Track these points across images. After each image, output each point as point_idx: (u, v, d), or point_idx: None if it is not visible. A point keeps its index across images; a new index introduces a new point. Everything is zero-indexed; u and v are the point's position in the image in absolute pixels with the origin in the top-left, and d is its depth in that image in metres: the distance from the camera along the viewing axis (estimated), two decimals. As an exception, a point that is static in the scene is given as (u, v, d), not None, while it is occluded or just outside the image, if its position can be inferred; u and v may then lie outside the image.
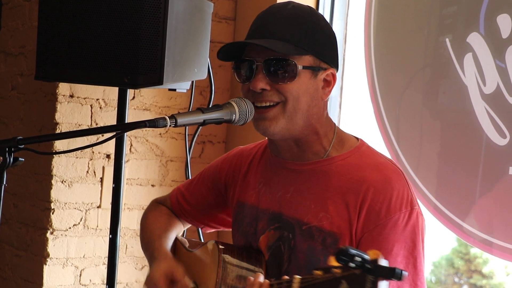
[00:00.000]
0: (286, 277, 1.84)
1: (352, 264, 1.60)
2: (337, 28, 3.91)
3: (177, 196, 2.60)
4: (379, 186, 2.12)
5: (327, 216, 2.15)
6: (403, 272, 1.56)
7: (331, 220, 2.14)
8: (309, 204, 2.18)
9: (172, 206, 2.61)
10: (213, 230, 2.69)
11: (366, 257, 1.60)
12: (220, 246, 2.24)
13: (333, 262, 1.66)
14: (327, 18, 3.89)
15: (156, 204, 2.67)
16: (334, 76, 2.21)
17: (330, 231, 2.14)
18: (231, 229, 2.57)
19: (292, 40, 2.13)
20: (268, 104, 2.14)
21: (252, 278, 1.94)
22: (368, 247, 2.04)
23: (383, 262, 1.59)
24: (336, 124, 2.31)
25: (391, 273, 1.57)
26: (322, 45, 2.19)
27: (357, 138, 2.29)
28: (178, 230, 2.61)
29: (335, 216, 2.14)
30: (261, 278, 1.92)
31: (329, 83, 2.20)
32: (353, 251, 1.59)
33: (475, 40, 3.17)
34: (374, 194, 2.11)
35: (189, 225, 2.66)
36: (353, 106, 3.96)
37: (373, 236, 2.10)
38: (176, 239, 2.57)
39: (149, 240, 2.51)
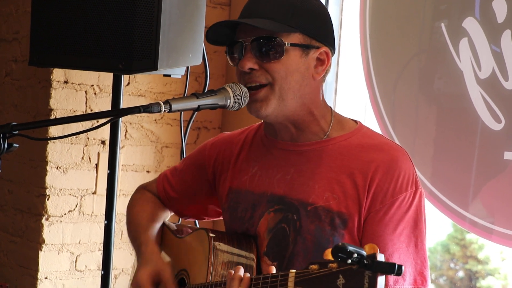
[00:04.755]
0: (273, 270, 1.86)
1: (349, 261, 1.58)
2: (332, 13, 3.89)
3: (163, 183, 2.60)
4: (386, 166, 2.13)
5: (334, 196, 2.15)
6: (402, 267, 1.55)
7: (338, 200, 2.14)
8: (313, 185, 2.18)
9: (158, 193, 2.60)
10: (197, 219, 2.72)
11: (363, 252, 1.58)
12: (211, 234, 2.24)
13: (328, 256, 1.65)
14: (322, 1, 3.89)
15: (142, 190, 2.66)
16: (328, 55, 2.20)
17: (338, 211, 2.14)
18: (216, 219, 2.61)
19: (278, 18, 2.13)
20: (257, 84, 2.14)
21: (232, 272, 1.94)
22: (374, 226, 2.10)
23: (381, 257, 1.58)
24: (332, 108, 2.31)
25: (389, 268, 1.56)
26: (312, 23, 2.18)
27: (355, 121, 2.30)
28: (165, 218, 2.60)
29: (342, 196, 2.14)
30: (241, 271, 1.92)
31: (322, 62, 2.19)
32: (351, 248, 1.57)
33: (471, 24, 3.17)
34: (382, 174, 2.12)
35: (172, 213, 2.66)
36: (349, 92, 3.95)
37: (379, 215, 2.12)
38: (164, 224, 2.57)
39: (135, 231, 2.51)
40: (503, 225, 3.07)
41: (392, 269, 1.55)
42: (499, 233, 3.09)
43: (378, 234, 2.09)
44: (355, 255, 1.57)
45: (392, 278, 2.06)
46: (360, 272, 1.59)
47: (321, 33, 2.20)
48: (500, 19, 3.06)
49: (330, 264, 1.64)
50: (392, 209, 2.11)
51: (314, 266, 1.68)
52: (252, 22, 2.12)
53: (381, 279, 1.58)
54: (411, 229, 2.13)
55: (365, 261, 1.58)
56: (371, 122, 3.64)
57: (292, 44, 2.14)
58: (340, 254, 1.57)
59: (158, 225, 2.54)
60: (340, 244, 1.57)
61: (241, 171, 2.37)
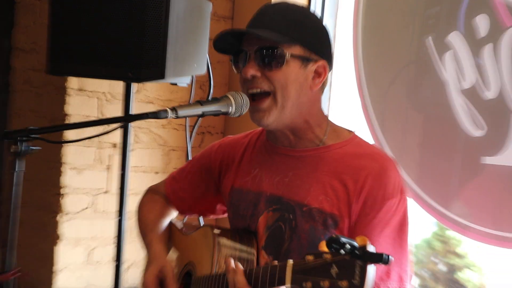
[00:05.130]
0: (275, 262, 1.84)
1: (342, 251, 1.59)
2: (326, 27, 3.90)
3: (171, 184, 2.60)
4: (377, 174, 2.13)
5: (327, 199, 2.15)
6: (390, 257, 1.56)
7: (331, 203, 2.14)
8: (309, 188, 2.18)
9: (166, 193, 2.60)
10: (204, 217, 2.70)
11: (355, 244, 1.59)
12: (215, 230, 2.24)
13: (323, 247, 1.65)
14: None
15: (151, 193, 2.66)
16: (325, 68, 2.19)
17: (330, 213, 2.14)
18: (221, 217, 2.60)
19: (281, 30, 2.12)
20: (259, 90, 2.14)
21: (229, 262, 1.95)
22: (362, 228, 2.10)
23: (371, 248, 1.59)
24: (328, 117, 2.31)
25: (378, 258, 1.56)
26: (312, 37, 2.17)
27: (349, 131, 2.30)
28: (172, 217, 2.60)
29: (335, 199, 2.14)
30: (231, 264, 1.94)
31: (319, 75, 2.19)
32: (344, 239, 1.59)
33: (456, 38, 3.17)
34: (372, 181, 2.12)
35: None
36: (342, 100, 3.95)
37: (368, 219, 2.11)
38: (171, 223, 2.57)
39: (145, 232, 2.52)
40: (479, 223, 3.08)
41: (380, 258, 1.56)
42: (475, 230, 3.10)
43: (366, 235, 2.06)
44: (348, 245, 1.58)
45: (377, 274, 2.05)
46: (352, 262, 1.60)
47: (320, 48, 2.20)
48: (483, 33, 3.06)
49: (325, 255, 1.65)
50: (381, 213, 2.10)
51: (310, 257, 1.68)
52: (257, 32, 2.11)
53: (370, 268, 1.58)
54: (397, 232, 2.12)
55: (357, 252, 1.59)
56: (362, 129, 3.65)
57: (292, 55, 2.13)
58: (334, 245, 1.60)
59: (165, 224, 2.54)
60: (334, 235, 1.60)
61: (244, 172, 2.36)
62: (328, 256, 1.64)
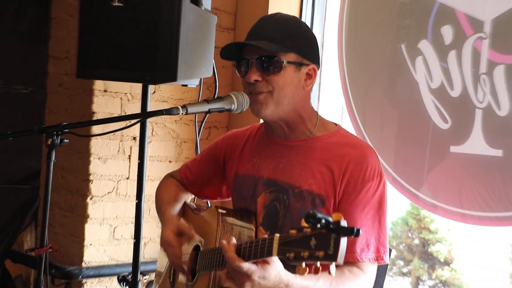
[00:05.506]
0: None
1: (318, 225, 1.59)
2: (316, 35, 3.88)
3: (185, 171, 2.61)
4: (357, 160, 2.14)
5: (315, 181, 2.16)
6: (360, 230, 1.55)
7: (319, 185, 2.15)
8: (299, 172, 2.19)
9: (181, 179, 2.61)
10: (212, 199, 2.69)
11: (330, 219, 1.58)
12: (219, 210, 2.25)
13: (304, 223, 1.65)
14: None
15: (168, 177, 2.67)
16: (315, 71, 2.21)
17: (318, 193, 2.15)
18: (226, 200, 2.59)
19: (278, 41, 2.13)
20: (259, 92, 2.15)
21: (224, 242, 1.91)
22: (346, 207, 2.11)
23: (344, 223, 1.58)
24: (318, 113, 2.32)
25: (350, 231, 1.56)
26: (303, 45, 2.19)
27: (335, 124, 2.31)
28: (186, 198, 2.61)
29: (322, 181, 2.15)
30: (224, 242, 1.90)
31: (310, 76, 2.20)
32: (319, 215, 1.58)
33: (424, 46, 3.18)
34: (354, 166, 2.13)
35: (193, 196, 2.66)
36: (329, 98, 3.96)
37: (351, 198, 2.12)
38: (185, 203, 2.58)
39: (160, 206, 2.52)
40: (445, 202, 3.10)
41: (352, 231, 1.55)
42: (442, 208, 3.11)
43: (349, 213, 2.10)
44: (323, 220, 1.57)
45: (359, 246, 2.08)
46: (327, 235, 1.59)
47: (310, 53, 2.21)
48: (447, 41, 3.07)
49: (305, 229, 1.65)
50: (361, 193, 2.12)
51: (293, 231, 1.69)
52: (257, 44, 2.13)
53: (343, 241, 1.58)
54: (376, 210, 2.13)
55: (331, 226, 1.58)
56: (346, 122, 3.64)
57: (288, 62, 2.15)
58: (311, 220, 1.59)
59: (180, 204, 2.55)
60: (311, 211, 1.59)
61: (245, 159, 2.38)
62: (308, 230, 1.64)
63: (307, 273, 1.64)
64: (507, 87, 2.84)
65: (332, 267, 1.61)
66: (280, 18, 2.20)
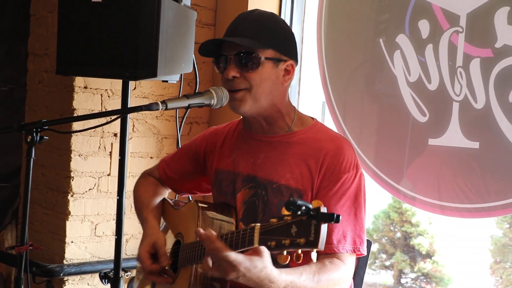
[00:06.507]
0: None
1: (299, 212, 1.60)
2: (295, 31, 3.91)
3: (163, 166, 2.61)
4: (334, 153, 2.16)
5: (293, 176, 2.17)
6: (340, 216, 1.57)
7: (296, 180, 2.17)
8: (277, 168, 2.21)
9: (159, 175, 2.61)
10: (191, 194, 2.69)
11: (310, 206, 1.60)
12: (199, 204, 2.25)
13: (285, 211, 1.67)
14: (287, 24, 3.89)
15: (146, 176, 2.66)
16: (293, 67, 2.22)
17: (295, 188, 2.17)
18: (206, 194, 2.59)
19: (256, 37, 2.15)
20: (238, 89, 2.16)
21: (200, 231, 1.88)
22: (322, 198, 2.11)
23: (324, 210, 1.60)
24: (296, 108, 2.34)
25: (330, 218, 1.57)
26: (281, 41, 2.20)
27: (312, 118, 2.32)
28: (164, 195, 2.61)
29: (299, 176, 2.17)
30: (202, 232, 1.86)
31: (288, 72, 2.22)
32: (300, 202, 1.59)
33: (402, 40, 3.20)
34: (330, 159, 2.15)
35: (170, 191, 2.65)
36: (309, 93, 3.97)
37: (327, 190, 2.14)
38: (164, 199, 2.58)
39: (140, 209, 2.52)
40: (424, 195, 3.12)
41: (332, 217, 1.56)
42: (421, 200, 3.14)
43: (325, 204, 2.07)
44: (303, 207, 1.59)
45: (336, 238, 2.10)
46: (308, 222, 1.61)
47: (288, 49, 2.23)
48: (424, 35, 3.09)
49: (286, 217, 1.66)
50: (337, 185, 2.14)
51: (274, 220, 1.70)
52: (235, 40, 2.13)
53: (324, 227, 1.59)
54: (352, 202, 2.15)
55: (311, 213, 1.59)
56: (327, 117, 3.67)
57: (266, 58, 2.16)
58: (291, 207, 1.59)
59: (158, 202, 2.55)
60: (291, 199, 1.59)
61: (225, 155, 2.39)
62: (288, 218, 1.65)
63: (288, 261, 1.66)
64: (482, 80, 2.87)
65: (314, 254, 1.63)
66: (258, 15, 2.22)
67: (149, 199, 2.53)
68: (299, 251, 1.64)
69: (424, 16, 3.09)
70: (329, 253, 2.08)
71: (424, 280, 4.85)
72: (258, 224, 1.75)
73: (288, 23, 3.82)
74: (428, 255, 4.86)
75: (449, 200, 3.02)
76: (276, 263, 1.79)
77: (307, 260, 1.73)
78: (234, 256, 1.81)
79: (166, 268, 2.28)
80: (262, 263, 1.84)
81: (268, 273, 1.87)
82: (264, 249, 1.82)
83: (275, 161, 2.22)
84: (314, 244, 1.59)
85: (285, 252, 1.66)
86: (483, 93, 2.87)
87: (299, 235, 1.61)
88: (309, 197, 2.16)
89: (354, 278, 2.37)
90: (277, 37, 2.19)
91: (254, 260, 1.83)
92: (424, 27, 3.09)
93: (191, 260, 2.13)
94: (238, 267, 1.81)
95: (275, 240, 1.67)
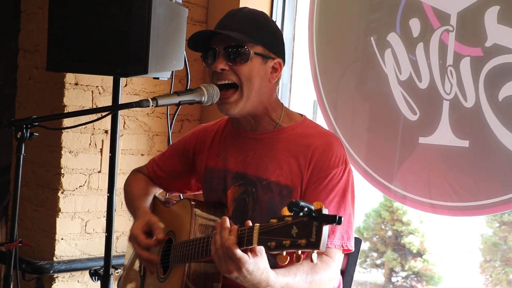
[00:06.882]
0: (249, 223, 1.83)
1: (301, 213, 1.60)
2: (287, 29, 3.92)
3: (153, 166, 2.62)
4: (322, 149, 2.17)
5: (282, 173, 2.19)
6: (342, 218, 1.58)
7: (285, 176, 2.18)
8: (267, 164, 2.22)
9: (149, 174, 2.62)
10: (181, 193, 2.70)
11: (312, 207, 1.61)
12: (192, 202, 2.25)
13: (285, 212, 1.67)
14: (279, 22, 3.90)
15: (136, 172, 2.68)
16: (280, 65, 2.25)
17: (285, 184, 2.18)
18: (195, 193, 2.61)
19: (246, 32, 2.16)
20: (226, 81, 2.17)
21: (219, 221, 1.89)
22: (311, 193, 2.13)
23: (325, 211, 1.61)
24: (287, 105, 2.36)
25: (332, 219, 1.58)
26: (270, 39, 2.22)
27: (301, 114, 2.34)
28: (154, 192, 2.62)
29: (289, 173, 2.18)
30: (228, 222, 1.88)
31: (276, 70, 2.24)
32: (302, 203, 1.59)
33: (393, 38, 3.20)
34: (319, 154, 2.16)
35: (161, 190, 2.66)
36: (301, 92, 3.98)
37: (316, 185, 2.15)
38: (155, 197, 2.59)
39: (131, 201, 2.52)
40: (414, 193, 3.13)
41: (334, 219, 1.58)
42: (411, 199, 3.14)
43: (314, 200, 2.12)
44: (306, 209, 1.60)
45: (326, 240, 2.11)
46: (309, 223, 1.61)
47: (276, 48, 2.25)
48: (415, 34, 3.10)
49: (286, 218, 1.67)
50: (326, 181, 2.15)
51: (274, 220, 1.70)
52: (228, 33, 2.15)
53: (325, 228, 1.60)
54: (340, 198, 2.16)
55: (313, 214, 1.60)
56: (318, 116, 3.67)
57: (256, 53, 2.18)
58: (294, 208, 1.60)
59: (150, 197, 2.56)
60: (294, 200, 1.60)
61: (215, 153, 2.40)
62: (289, 219, 1.66)
63: (288, 261, 1.66)
64: (472, 79, 2.89)
65: (314, 255, 1.63)
66: (248, 12, 2.24)
67: (140, 192, 2.54)
68: (299, 252, 1.64)
69: (415, 15, 3.10)
70: None
71: (415, 279, 4.88)
72: (257, 224, 1.76)
73: (280, 22, 3.84)
74: (419, 254, 4.88)
75: (439, 199, 3.03)
76: (275, 260, 1.78)
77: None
78: (240, 254, 1.80)
79: (155, 264, 2.27)
80: (263, 264, 1.85)
81: (268, 276, 1.88)
82: (262, 248, 1.82)
83: (264, 158, 2.24)
84: (315, 245, 1.60)
85: (284, 253, 1.67)
86: (473, 92, 2.88)
87: (300, 236, 1.62)
88: (298, 193, 2.17)
89: (344, 276, 2.39)
90: (266, 34, 2.21)
91: (258, 261, 1.83)
92: (415, 25, 3.10)
93: (184, 258, 2.13)
94: (242, 267, 1.81)
95: (275, 240, 1.67)
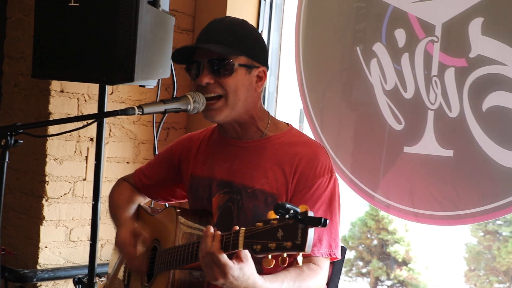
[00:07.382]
0: (237, 228, 1.83)
1: (287, 216, 1.61)
2: (273, 38, 3.94)
3: (139, 175, 2.62)
4: (308, 158, 2.18)
5: (268, 181, 2.19)
6: (327, 220, 1.59)
7: (271, 184, 2.19)
8: (252, 172, 2.22)
9: (135, 183, 2.61)
10: (167, 202, 2.69)
11: (298, 210, 1.62)
12: (177, 210, 2.25)
13: (271, 215, 1.68)
14: (266, 31, 3.91)
15: (122, 181, 2.67)
16: (265, 73, 2.25)
17: (270, 192, 2.19)
18: (182, 201, 2.60)
19: (228, 44, 2.16)
20: (213, 95, 2.17)
21: (206, 230, 1.90)
22: (297, 202, 2.13)
23: (311, 214, 1.62)
24: (273, 114, 2.36)
25: (317, 222, 1.59)
26: (253, 48, 2.23)
27: (287, 123, 2.34)
28: (140, 201, 2.62)
29: (274, 181, 2.18)
30: (212, 229, 1.89)
31: (261, 78, 2.24)
32: (288, 205, 1.61)
33: (379, 48, 3.23)
34: (305, 163, 2.17)
35: (148, 199, 2.66)
36: (287, 101, 4.00)
37: (302, 194, 2.16)
38: (139, 206, 2.59)
39: (115, 210, 2.53)
40: (398, 202, 3.14)
41: (319, 221, 1.59)
42: (395, 207, 3.16)
43: None
44: (292, 211, 1.61)
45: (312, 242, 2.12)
46: (295, 226, 1.62)
47: (260, 56, 2.25)
48: (401, 44, 3.12)
49: (272, 221, 1.68)
50: (312, 189, 2.16)
51: (260, 223, 1.71)
52: (209, 47, 2.14)
53: (311, 231, 1.61)
54: (327, 206, 2.17)
55: (299, 216, 1.61)
56: (305, 125, 3.68)
57: (240, 65, 2.18)
58: (280, 210, 1.62)
59: (134, 206, 2.56)
60: (280, 202, 1.62)
61: (200, 161, 2.40)
62: (274, 222, 1.66)
63: (273, 264, 1.67)
64: (457, 89, 2.91)
65: (299, 257, 1.64)
66: (230, 22, 2.24)
67: (123, 203, 2.54)
68: (285, 254, 1.65)
69: (400, 25, 3.12)
70: (304, 257, 2.10)
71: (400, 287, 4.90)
72: (243, 228, 1.76)
73: (266, 31, 3.86)
74: (404, 263, 4.91)
75: (422, 207, 3.05)
76: (260, 266, 1.79)
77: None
78: (225, 260, 1.81)
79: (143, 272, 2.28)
80: (249, 269, 1.85)
81: (255, 281, 1.88)
82: (248, 253, 1.83)
83: (250, 166, 2.24)
84: (301, 247, 1.61)
85: (270, 256, 1.67)
86: (458, 102, 2.91)
87: (286, 239, 1.63)
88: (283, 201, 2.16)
89: (329, 285, 2.39)
90: (249, 44, 2.22)
91: (243, 267, 1.83)
92: (400, 36, 3.13)
93: (168, 265, 2.13)
94: (228, 274, 1.82)
95: (260, 243, 1.68)
